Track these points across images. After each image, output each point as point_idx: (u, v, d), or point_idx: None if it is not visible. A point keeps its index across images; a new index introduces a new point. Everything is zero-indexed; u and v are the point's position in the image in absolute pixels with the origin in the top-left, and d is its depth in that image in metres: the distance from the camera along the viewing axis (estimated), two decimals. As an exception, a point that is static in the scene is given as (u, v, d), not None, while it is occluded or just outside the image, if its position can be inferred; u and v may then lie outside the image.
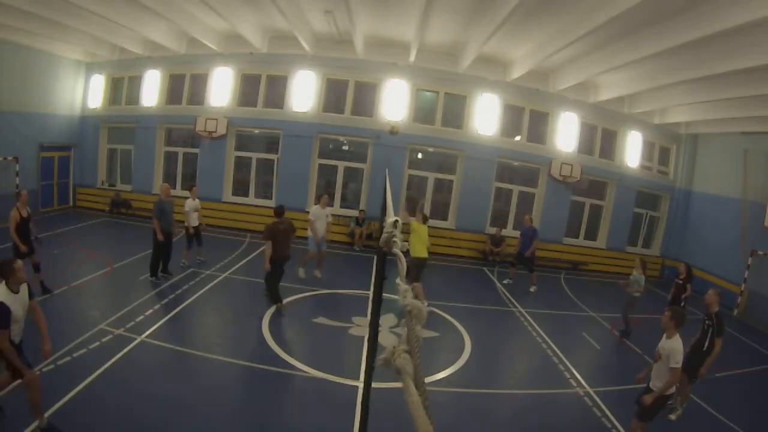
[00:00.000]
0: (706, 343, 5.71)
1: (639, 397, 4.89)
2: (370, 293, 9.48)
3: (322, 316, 7.98)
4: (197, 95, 14.25)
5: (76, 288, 7.94)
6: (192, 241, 9.98)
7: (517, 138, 14.14)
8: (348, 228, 13.65)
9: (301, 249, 10.43)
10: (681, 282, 8.06)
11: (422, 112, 13.88)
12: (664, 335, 4.76)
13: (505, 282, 11.73)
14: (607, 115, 14.03)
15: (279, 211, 8.20)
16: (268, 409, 5.29)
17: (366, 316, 8.18)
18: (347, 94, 13.74)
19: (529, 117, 13.98)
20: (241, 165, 14.54)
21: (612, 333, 9.17)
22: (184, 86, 14.31)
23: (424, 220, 8.93)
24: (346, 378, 5.97)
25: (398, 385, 1.08)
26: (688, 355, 5.50)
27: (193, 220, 9.81)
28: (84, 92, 14.92)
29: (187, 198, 9.96)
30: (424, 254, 8.73)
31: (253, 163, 14.41)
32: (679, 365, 4.55)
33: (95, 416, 4.69)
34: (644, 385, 4.98)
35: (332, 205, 14.18)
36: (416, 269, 8.57)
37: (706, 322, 5.78)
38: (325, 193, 10.01)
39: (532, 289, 11.31)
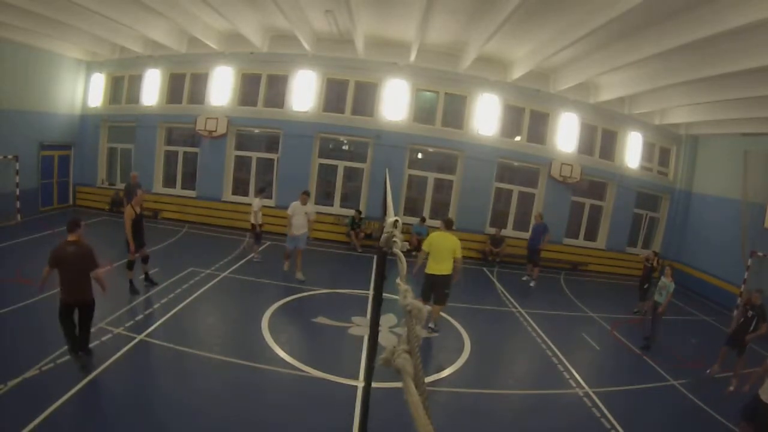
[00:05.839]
0: (752, 326, 7.13)
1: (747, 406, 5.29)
2: (370, 293, 9.48)
3: (322, 315, 7.98)
4: (197, 94, 14.24)
5: (76, 287, 7.92)
6: (258, 237, 11.20)
7: (518, 138, 14.13)
8: (346, 228, 13.64)
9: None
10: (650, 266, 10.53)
11: (422, 112, 13.88)
12: None
13: (524, 278, 12.25)
14: (608, 116, 14.03)
15: (72, 225, 5.43)
16: (268, 409, 5.29)
17: (365, 315, 8.18)
18: (347, 94, 13.73)
19: (529, 117, 13.98)
20: (241, 164, 14.53)
21: (611, 332, 9.18)
22: (185, 85, 14.30)
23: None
24: (345, 378, 5.97)
25: (398, 385, 1.08)
26: (734, 333, 7.28)
27: (257, 219, 11.03)
28: (84, 91, 14.91)
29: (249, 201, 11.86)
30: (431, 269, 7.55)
31: (253, 162, 14.41)
32: None
33: (94, 415, 4.69)
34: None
35: (332, 205, 14.29)
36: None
37: (750, 311, 7.20)
38: (305, 191, 9.79)
39: (531, 284, 11.79)
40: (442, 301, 7.65)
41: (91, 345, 5.74)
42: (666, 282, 8.42)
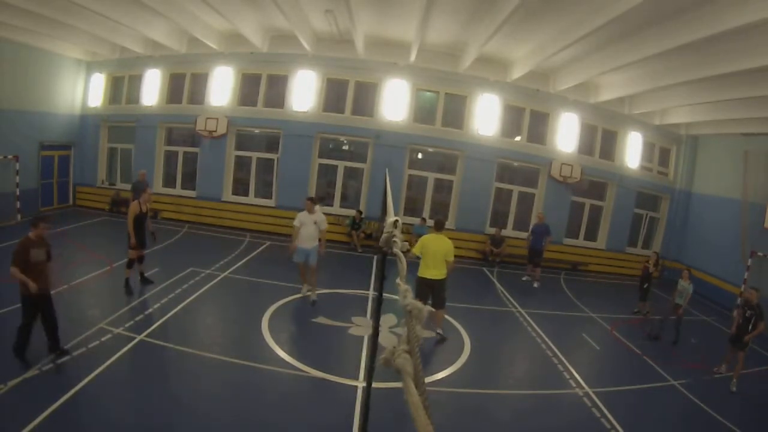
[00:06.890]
0: (750, 326, 7.21)
1: None
2: (370, 293, 9.49)
3: (322, 315, 7.98)
4: (198, 94, 14.24)
5: (76, 287, 7.93)
6: None
7: (518, 138, 14.13)
8: (347, 228, 13.63)
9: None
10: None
11: (422, 112, 13.87)
12: None
13: (524, 279, 12.29)
14: (608, 116, 14.02)
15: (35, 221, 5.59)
16: (268, 409, 5.29)
17: (366, 315, 8.18)
18: (347, 94, 13.73)
19: (529, 117, 13.97)
20: (241, 164, 14.53)
21: (611, 332, 9.18)
22: (185, 85, 14.29)
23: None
24: (345, 378, 5.97)
25: (398, 385, 1.08)
26: (736, 333, 7.34)
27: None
28: (84, 91, 14.90)
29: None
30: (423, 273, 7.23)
31: (253, 162, 14.40)
32: None
33: (94, 416, 4.69)
34: None
35: (332, 205, 14.25)
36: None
37: (747, 311, 7.26)
38: (310, 197, 8.57)
39: (535, 284, 11.81)
40: (441, 305, 7.32)
41: (91, 345, 5.73)
42: (684, 285, 8.76)
